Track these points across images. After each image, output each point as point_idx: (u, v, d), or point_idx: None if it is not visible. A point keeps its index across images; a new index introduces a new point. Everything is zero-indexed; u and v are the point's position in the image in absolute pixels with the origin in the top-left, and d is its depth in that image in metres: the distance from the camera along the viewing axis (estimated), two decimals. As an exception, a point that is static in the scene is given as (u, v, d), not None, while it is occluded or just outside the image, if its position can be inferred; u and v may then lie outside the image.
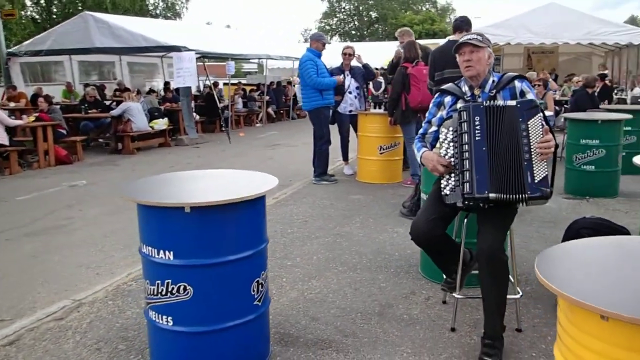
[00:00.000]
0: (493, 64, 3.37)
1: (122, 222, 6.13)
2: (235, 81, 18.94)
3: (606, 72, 15.52)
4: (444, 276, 3.52)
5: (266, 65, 20.09)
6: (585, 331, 1.65)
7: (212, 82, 16.54)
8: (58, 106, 12.30)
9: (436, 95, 3.46)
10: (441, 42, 14.17)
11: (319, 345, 3.23)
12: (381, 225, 5.67)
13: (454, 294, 3.35)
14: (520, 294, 3.38)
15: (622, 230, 3.80)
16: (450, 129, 3.10)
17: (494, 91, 3.22)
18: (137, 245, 5.14)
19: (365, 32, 53.09)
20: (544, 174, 2.92)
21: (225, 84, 20.90)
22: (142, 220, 2.82)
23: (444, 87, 3.44)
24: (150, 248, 2.74)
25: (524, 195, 2.91)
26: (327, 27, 54.69)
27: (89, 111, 12.63)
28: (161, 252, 2.69)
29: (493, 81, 3.25)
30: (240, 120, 17.43)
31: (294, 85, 21.31)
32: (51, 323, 3.61)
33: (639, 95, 12.24)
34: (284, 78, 23.20)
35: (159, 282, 2.73)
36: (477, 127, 2.96)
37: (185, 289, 2.69)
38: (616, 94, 13.32)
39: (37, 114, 10.52)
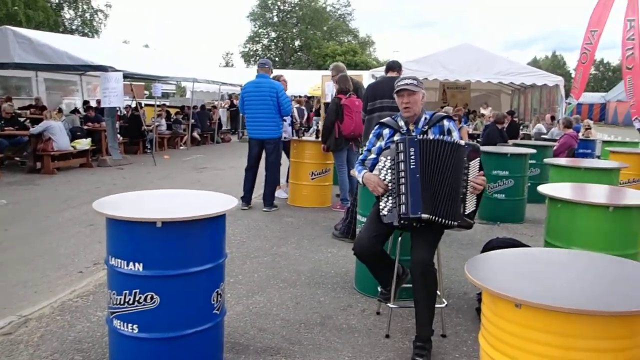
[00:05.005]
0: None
1: (53, 243, 6.14)
2: (154, 102, 18.69)
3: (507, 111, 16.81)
4: (379, 289, 3.98)
5: (193, 88, 20.16)
6: (503, 317, 2.12)
7: (136, 102, 16.42)
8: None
9: (376, 127, 3.89)
10: (363, 73, 15.04)
11: (268, 352, 3.56)
12: (315, 246, 6.07)
13: (388, 304, 3.78)
14: (446, 303, 3.87)
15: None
16: (389, 157, 3.55)
17: (426, 127, 3.70)
18: (72, 265, 5.35)
19: (288, 60, 53.82)
20: (473, 208, 3.45)
21: (146, 105, 20.69)
22: (112, 234, 3.04)
23: (383, 120, 3.87)
24: (119, 260, 2.97)
25: (454, 222, 3.40)
26: (251, 52, 55.07)
27: (5, 128, 12.21)
28: (131, 263, 2.93)
29: (425, 118, 3.74)
30: (164, 142, 17.35)
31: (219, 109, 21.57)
32: (0, 337, 3.66)
33: (542, 131, 13.37)
34: (207, 101, 23.32)
35: (126, 292, 2.96)
36: (412, 157, 3.41)
37: (152, 298, 2.93)
38: (522, 129, 14.49)
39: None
